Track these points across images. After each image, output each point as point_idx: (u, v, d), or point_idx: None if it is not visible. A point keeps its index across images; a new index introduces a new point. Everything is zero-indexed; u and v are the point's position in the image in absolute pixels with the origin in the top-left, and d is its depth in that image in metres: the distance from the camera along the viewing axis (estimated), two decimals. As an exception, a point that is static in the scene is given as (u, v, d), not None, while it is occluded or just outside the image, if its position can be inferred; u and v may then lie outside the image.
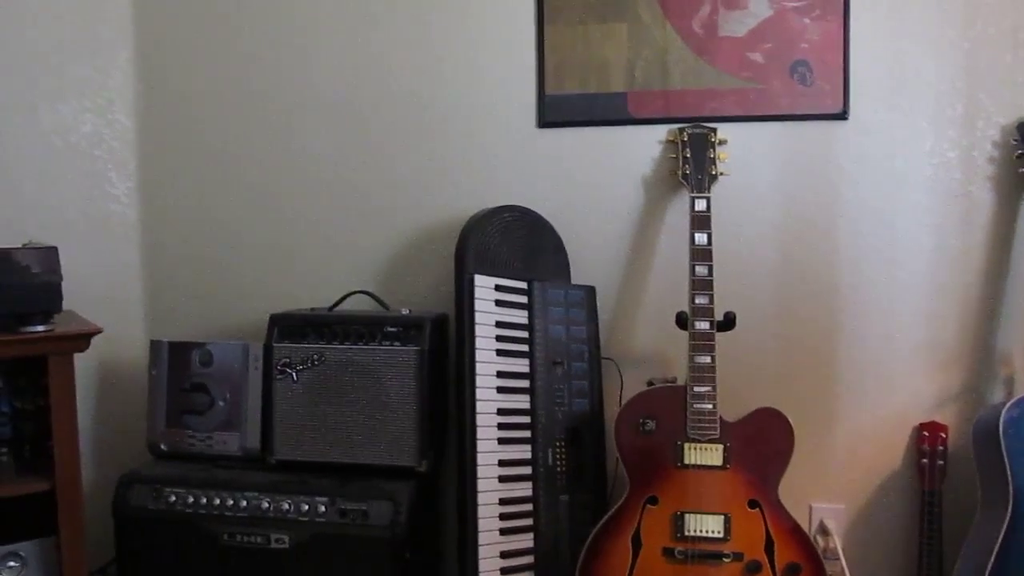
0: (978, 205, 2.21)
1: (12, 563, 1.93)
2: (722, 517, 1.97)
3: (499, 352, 2.11)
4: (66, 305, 1.96)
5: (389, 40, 2.38)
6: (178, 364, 2.25)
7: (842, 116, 2.22)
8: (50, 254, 1.91)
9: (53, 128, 2.38)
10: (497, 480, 2.05)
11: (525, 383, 2.13)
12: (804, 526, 2.03)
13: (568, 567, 2.04)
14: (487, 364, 2.07)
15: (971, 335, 2.23)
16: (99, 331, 1.96)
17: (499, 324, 2.12)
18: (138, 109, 2.50)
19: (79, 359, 1.94)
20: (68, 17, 2.38)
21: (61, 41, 2.38)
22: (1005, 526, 1.89)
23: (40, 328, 1.89)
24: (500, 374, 2.09)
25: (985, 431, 2.00)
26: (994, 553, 1.88)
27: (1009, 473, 1.90)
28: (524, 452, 2.10)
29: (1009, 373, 2.21)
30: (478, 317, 2.08)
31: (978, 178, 2.20)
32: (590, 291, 2.27)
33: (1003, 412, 1.94)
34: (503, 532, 2.04)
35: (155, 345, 2.27)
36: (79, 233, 2.41)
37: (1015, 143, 2.13)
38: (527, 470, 2.10)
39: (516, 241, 2.21)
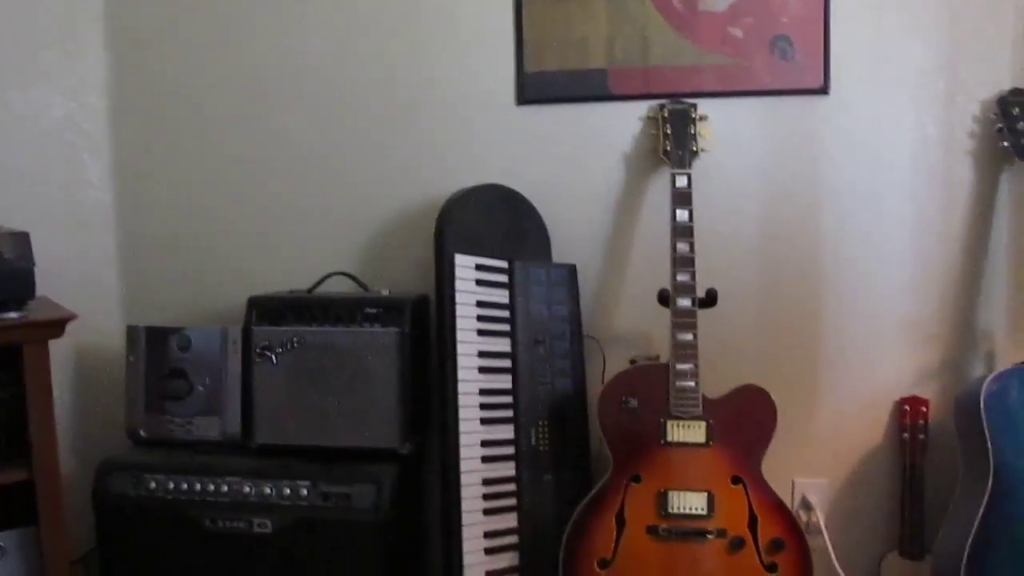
0: (959, 180, 2.21)
1: (-8, 552, 1.91)
2: (705, 494, 1.97)
3: (480, 332, 2.10)
4: (40, 291, 1.93)
5: (367, 18, 2.35)
6: (156, 349, 2.22)
7: (823, 91, 2.21)
8: (22, 239, 1.89)
9: (24, 113, 2.33)
10: (480, 460, 2.04)
11: (507, 363, 2.12)
12: (787, 501, 2.03)
13: (552, 546, 2.04)
14: (468, 344, 2.06)
15: (952, 310, 2.24)
16: (74, 317, 1.93)
17: (480, 304, 2.10)
18: (111, 92, 2.46)
19: (55, 346, 1.92)
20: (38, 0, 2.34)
21: (32, 24, 2.33)
22: (986, 499, 1.90)
23: (13, 315, 1.86)
24: (482, 354, 2.08)
25: (966, 405, 2.01)
26: (975, 526, 1.89)
27: (990, 447, 1.91)
28: (507, 432, 2.09)
29: (990, 348, 2.22)
30: (459, 297, 2.07)
31: (959, 153, 2.20)
32: (571, 269, 2.25)
33: (984, 386, 1.94)
34: (487, 512, 2.04)
35: (132, 331, 2.24)
36: (53, 218, 2.36)
37: (995, 118, 2.13)
38: (510, 450, 2.09)
39: (496, 220, 2.19)
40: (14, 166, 2.32)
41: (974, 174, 2.20)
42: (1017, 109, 2.09)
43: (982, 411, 1.93)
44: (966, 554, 1.88)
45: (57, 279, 2.20)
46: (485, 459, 2.05)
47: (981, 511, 1.89)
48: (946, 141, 2.20)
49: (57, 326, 1.91)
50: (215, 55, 2.42)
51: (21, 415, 1.89)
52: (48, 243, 2.13)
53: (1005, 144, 2.09)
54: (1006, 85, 2.14)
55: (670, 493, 1.97)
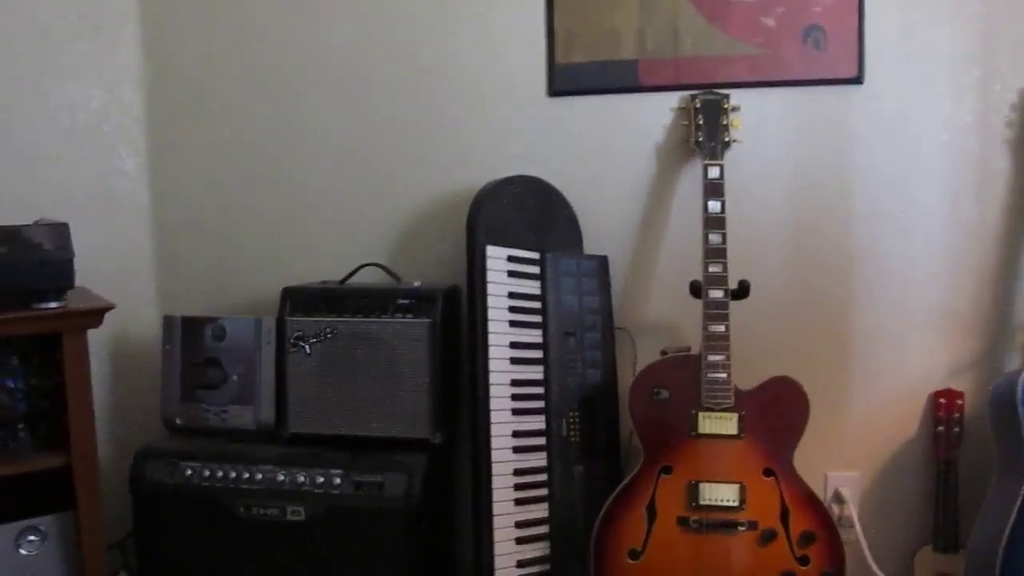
0: (994, 171, 2.18)
1: (32, 537, 1.94)
2: (737, 486, 1.96)
3: (512, 323, 2.10)
4: (78, 282, 1.96)
5: (398, 10, 2.36)
6: (191, 339, 2.25)
7: (856, 81, 2.19)
8: (61, 230, 1.91)
9: (61, 106, 2.37)
10: (511, 451, 2.05)
11: (538, 354, 2.13)
12: (819, 494, 2.02)
13: (583, 537, 2.05)
14: (500, 335, 2.07)
15: (987, 302, 2.22)
16: (112, 307, 1.96)
17: (512, 295, 2.11)
18: (146, 84, 2.49)
19: (93, 335, 1.94)
20: (72, -8, 2.37)
21: (66, 18, 2.36)
22: (1022, 494, 1.88)
23: (53, 305, 1.89)
24: (513, 345, 2.09)
25: (1002, 399, 1.99)
26: (1011, 521, 1.87)
27: (1026, 440, 1.90)
28: (538, 423, 2.10)
29: (1025, 340, 2.20)
30: (490, 288, 2.07)
31: (995, 143, 2.17)
32: (603, 261, 2.25)
33: (1020, 380, 1.92)
34: (518, 503, 2.05)
35: (168, 320, 2.27)
36: (90, 210, 2.40)
37: (1033, 106, 2.10)
38: (541, 440, 2.10)
39: (528, 211, 2.20)
40: (52, 158, 2.35)
41: (1011, 164, 2.17)
42: (1056, 99, 2.06)
43: (1018, 404, 1.91)
44: (1001, 549, 1.86)
45: (95, 270, 2.22)
46: (516, 449, 2.06)
47: (1017, 506, 1.87)
48: (982, 131, 2.17)
49: (96, 316, 1.94)
50: (248, 48, 2.44)
51: (60, 403, 1.93)
52: (86, 234, 2.16)
53: (1043, 134, 2.07)
54: (1044, 74, 2.12)
55: (701, 485, 1.97)
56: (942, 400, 2.19)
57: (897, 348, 2.25)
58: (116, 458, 2.32)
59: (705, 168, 2.11)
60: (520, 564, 2.04)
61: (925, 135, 2.20)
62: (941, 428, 2.18)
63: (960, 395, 2.18)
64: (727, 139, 2.14)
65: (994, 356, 2.22)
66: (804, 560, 1.94)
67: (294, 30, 2.41)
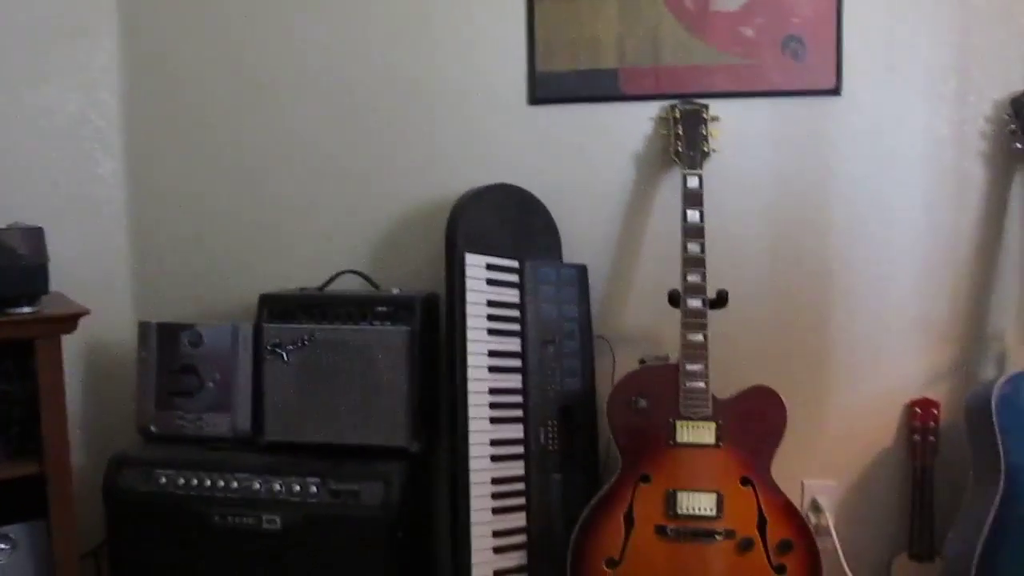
0: (971, 182, 2.20)
1: (3, 545, 1.92)
2: (714, 495, 1.97)
3: (490, 331, 2.10)
4: (53, 287, 1.94)
5: (379, 17, 2.35)
6: (167, 346, 2.23)
7: (835, 92, 2.21)
8: (36, 235, 1.90)
9: (37, 109, 2.35)
10: (489, 459, 2.05)
11: (517, 362, 2.12)
12: (796, 503, 2.03)
13: (561, 546, 2.04)
14: (478, 343, 2.07)
15: (963, 312, 2.23)
16: (86, 312, 1.94)
17: (490, 303, 2.11)
18: (124, 88, 2.47)
19: (67, 341, 1.93)
20: (49, -4, 2.35)
21: (44, 21, 2.34)
22: (997, 502, 1.89)
23: (27, 310, 1.87)
24: (492, 353, 2.09)
25: (977, 408, 2.00)
26: (986, 529, 1.88)
27: (1001, 449, 1.91)
28: (516, 431, 2.10)
29: (1001, 350, 2.21)
30: (469, 296, 2.07)
31: (971, 154, 2.19)
32: (582, 269, 2.25)
33: (995, 389, 1.94)
34: (495, 511, 2.04)
35: (143, 327, 2.25)
36: (65, 214, 2.38)
37: (1008, 118, 2.12)
38: (519, 449, 2.09)
39: (507, 220, 2.20)
40: (28, 162, 2.33)
41: (986, 175, 2.19)
42: (1030, 110, 2.08)
43: (993, 413, 1.92)
44: (976, 556, 1.87)
45: (70, 275, 2.21)
46: (494, 458, 2.05)
47: (992, 513, 1.88)
48: (958, 142, 2.19)
49: (70, 321, 1.92)
50: (227, 54, 2.43)
51: (33, 409, 1.91)
52: (61, 239, 2.14)
53: (1018, 145, 2.09)
54: (1018, 86, 2.13)
55: (679, 493, 1.97)
56: (918, 409, 2.20)
57: (874, 357, 2.27)
58: (90, 466, 2.30)
59: (684, 178, 2.11)
60: (497, 573, 2.03)
61: (902, 146, 2.21)
62: (917, 437, 2.19)
63: (936, 404, 2.20)
64: (706, 149, 2.15)
65: (970, 365, 2.24)
66: (781, 569, 1.95)
67: (274, 37, 2.40)
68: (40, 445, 1.89)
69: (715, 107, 2.19)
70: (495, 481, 2.05)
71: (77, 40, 2.40)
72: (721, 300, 2.07)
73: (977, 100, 2.18)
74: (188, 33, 2.44)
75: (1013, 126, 2.10)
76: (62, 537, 1.93)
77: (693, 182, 2.11)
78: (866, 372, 2.27)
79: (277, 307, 2.15)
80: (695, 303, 2.03)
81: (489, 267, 2.12)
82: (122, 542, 2.10)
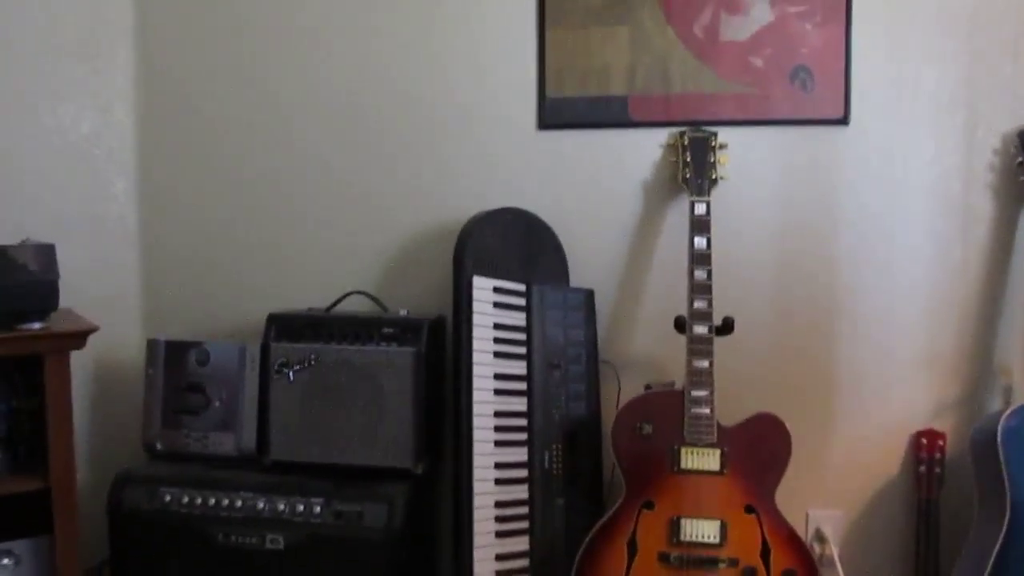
0: (978, 214, 2.21)
1: (6, 561, 1.92)
2: (718, 522, 1.96)
3: (497, 354, 2.10)
4: (63, 304, 1.96)
5: (391, 41, 2.38)
6: (175, 363, 2.24)
7: (843, 122, 2.22)
8: (47, 251, 1.91)
9: (53, 127, 2.37)
10: (493, 483, 2.04)
11: (522, 385, 2.13)
12: (801, 532, 2.02)
13: (563, 570, 2.03)
14: (484, 366, 2.07)
15: (970, 344, 2.23)
16: (95, 329, 1.96)
17: (497, 326, 2.11)
18: (138, 109, 2.50)
19: (76, 357, 1.94)
20: (68, 17, 2.38)
21: (61, 41, 2.37)
22: (1002, 535, 1.88)
23: (36, 326, 1.89)
24: (497, 376, 2.09)
25: (983, 440, 2.00)
26: (990, 562, 1.87)
27: (1007, 482, 1.90)
28: (521, 455, 2.09)
29: (1008, 382, 2.21)
30: (476, 319, 2.08)
31: (978, 186, 2.20)
32: (589, 294, 2.26)
33: (1001, 421, 1.93)
34: (499, 535, 2.04)
35: (152, 344, 2.26)
36: (77, 232, 2.40)
37: (1015, 151, 2.13)
38: (523, 473, 2.09)
39: (515, 243, 2.21)
40: (41, 180, 2.35)
41: (993, 207, 2.20)
42: (1037, 144, 2.09)
43: (999, 446, 1.92)
44: (981, 590, 1.86)
45: (80, 292, 2.23)
46: (498, 481, 2.05)
47: (997, 547, 1.87)
48: (965, 174, 2.20)
49: (79, 338, 1.93)
50: (241, 76, 2.45)
51: (40, 425, 1.91)
52: (72, 256, 2.17)
53: (1025, 179, 2.10)
54: (1026, 120, 2.15)
55: (682, 520, 1.96)
56: (924, 440, 2.19)
57: (880, 388, 2.26)
58: (95, 482, 2.30)
59: (692, 204, 2.12)
60: (500, 597, 2.03)
61: (910, 177, 2.22)
62: (923, 468, 2.18)
63: (942, 435, 2.19)
64: (714, 176, 2.16)
65: (976, 397, 2.24)
66: (785, 598, 1.94)
67: (288, 60, 2.43)
68: (46, 461, 1.90)
69: (723, 135, 2.21)
70: (499, 504, 2.05)
71: (94, 60, 2.43)
72: (727, 327, 2.08)
73: (985, 133, 2.19)
74: (202, 55, 2.46)
75: (1021, 159, 2.11)
76: (66, 553, 1.93)
77: (701, 209, 2.12)
78: (872, 402, 2.27)
79: (284, 327, 2.16)
80: (701, 329, 2.04)
81: (496, 290, 2.13)
82: (125, 559, 2.09)
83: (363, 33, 2.39)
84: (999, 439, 1.92)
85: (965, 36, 2.18)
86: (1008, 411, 1.95)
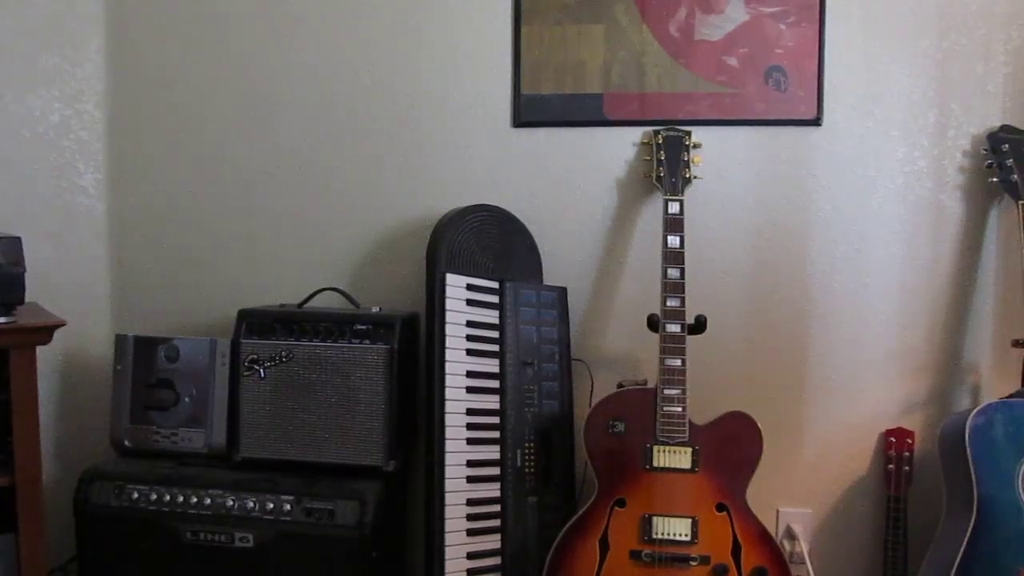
0: (948, 214, 2.23)
1: (-31, 559, 1.90)
2: (690, 520, 1.97)
3: (469, 352, 2.09)
4: (30, 297, 1.93)
5: (366, 36, 2.36)
6: (144, 359, 2.21)
7: (816, 122, 2.24)
8: (13, 244, 1.88)
9: (20, 118, 2.33)
10: (465, 480, 2.04)
11: (495, 383, 2.12)
12: (771, 530, 2.03)
13: (535, 569, 2.03)
14: (457, 364, 2.06)
15: (939, 343, 2.25)
16: (63, 324, 1.93)
17: (470, 324, 2.11)
18: (108, 100, 2.46)
19: (42, 352, 1.91)
20: (38, 4, 2.34)
21: (30, 30, 2.33)
22: (969, 531, 1.90)
23: (2, 320, 1.86)
24: (470, 374, 2.08)
25: (951, 438, 2.02)
26: (959, 557, 1.89)
27: (974, 479, 1.92)
28: (493, 453, 2.09)
29: (976, 381, 2.23)
30: (449, 316, 2.07)
31: (948, 187, 2.22)
32: (562, 292, 2.26)
33: (969, 419, 1.95)
34: (470, 533, 2.03)
35: (120, 339, 2.23)
36: (45, 224, 2.36)
37: (985, 152, 2.15)
38: (495, 471, 2.09)
39: (489, 241, 2.20)
40: (7, 170, 2.31)
41: (963, 208, 2.22)
42: (1007, 146, 2.11)
43: (967, 444, 1.94)
44: (948, 587, 1.88)
45: (47, 285, 2.20)
46: (470, 479, 2.05)
47: (964, 543, 1.89)
48: (936, 174, 2.22)
49: (45, 332, 1.90)
50: (213, 68, 2.43)
51: (5, 421, 1.88)
52: (40, 249, 2.14)
53: (994, 180, 2.12)
54: (996, 121, 2.17)
55: (654, 518, 1.97)
56: (893, 438, 2.21)
57: (850, 385, 2.28)
58: (61, 479, 2.28)
59: (665, 203, 2.13)
60: (471, 595, 2.02)
61: (881, 176, 2.24)
62: (892, 466, 2.20)
63: (911, 434, 2.21)
64: (688, 175, 2.17)
65: (945, 395, 2.26)
66: (755, 596, 1.95)
67: (260, 52, 2.40)
68: (11, 457, 1.87)
69: (698, 134, 2.21)
70: (471, 502, 2.04)
71: (64, 50, 2.39)
72: (700, 326, 2.08)
73: (956, 134, 2.21)
74: (174, 46, 2.43)
75: (990, 161, 2.13)
76: (31, 551, 1.90)
77: (674, 207, 2.12)
78: (842, 400, 2.28)
79: (256, 323, 2.14)
80: (674, 328, 2.04)
81: (469, 287, 2.12)
82: (92, 558, 2.07)
83: (338, 27, 2.37)
84: (967, 437, 1.94)
85: (937, 37, 2.20)
86: (976, 409, 1.96)
